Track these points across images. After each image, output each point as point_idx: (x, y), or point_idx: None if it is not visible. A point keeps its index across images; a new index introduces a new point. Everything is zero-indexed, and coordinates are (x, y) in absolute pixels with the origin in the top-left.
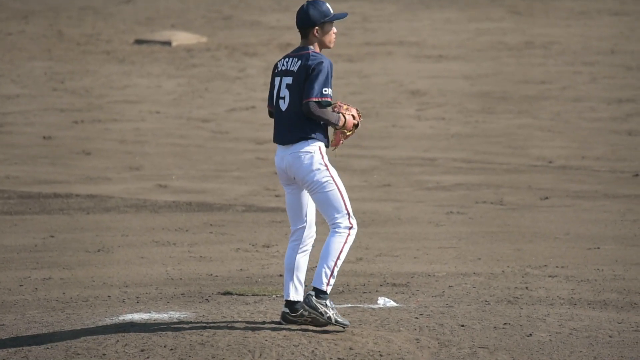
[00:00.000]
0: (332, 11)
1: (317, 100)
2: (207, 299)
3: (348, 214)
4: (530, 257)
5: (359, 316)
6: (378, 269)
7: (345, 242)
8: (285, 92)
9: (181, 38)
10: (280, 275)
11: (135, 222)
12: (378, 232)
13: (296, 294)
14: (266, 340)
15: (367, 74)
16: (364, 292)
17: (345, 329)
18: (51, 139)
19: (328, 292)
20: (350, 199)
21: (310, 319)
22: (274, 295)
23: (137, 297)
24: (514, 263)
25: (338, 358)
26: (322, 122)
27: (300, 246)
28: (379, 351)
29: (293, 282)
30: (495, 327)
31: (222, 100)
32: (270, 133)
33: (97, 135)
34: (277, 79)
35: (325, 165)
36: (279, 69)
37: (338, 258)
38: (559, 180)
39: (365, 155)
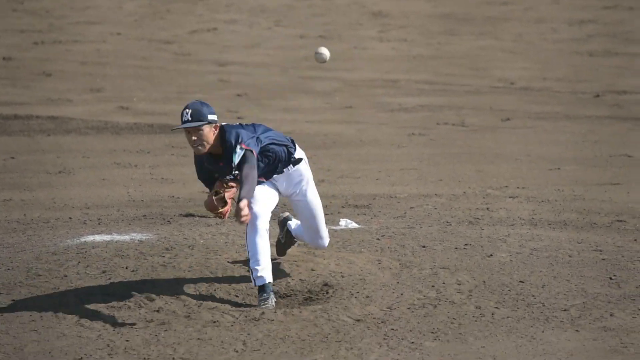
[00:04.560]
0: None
1: None
2: (168, 221)
3: None
4: (491, 178)
5: None
6: (340, 190)
7: None
8: None
9: None
10: None
11: (97, 144)
12: (340, 154)
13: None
14: (228, 262)
15: None
16: (326, 214)
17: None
18: (11, 60)
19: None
20: (312, 122)
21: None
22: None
23: (99, 219)
24: (475, 184)
25: (300, 279)
26: None
27: None
28: (341, 272)
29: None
30: (456, 248)
31: (184, 22)
32: (232, 55)
33: (58, 56)
34: None
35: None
36: None
37: None
38: (521, 101)
39: (327, 77)
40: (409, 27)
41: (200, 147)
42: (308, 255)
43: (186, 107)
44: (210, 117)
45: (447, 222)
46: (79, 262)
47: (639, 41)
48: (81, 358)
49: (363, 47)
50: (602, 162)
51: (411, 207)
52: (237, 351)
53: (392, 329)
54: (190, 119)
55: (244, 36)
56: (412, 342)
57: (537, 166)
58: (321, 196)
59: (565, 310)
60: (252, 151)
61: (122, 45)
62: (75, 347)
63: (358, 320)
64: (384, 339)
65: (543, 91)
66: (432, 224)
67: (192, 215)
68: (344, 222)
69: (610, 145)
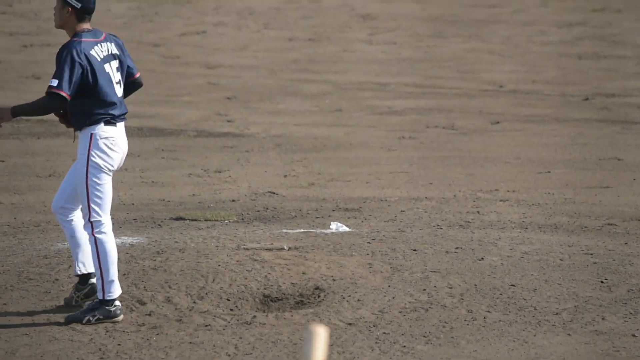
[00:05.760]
0: None
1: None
2: (159, 224)
3: None
4: (481, 181)
5: (312, 241)
6: (330, 194)
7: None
8: (119, 77)
9: None
10: (232, 201)
11: None
12: (330, 157)
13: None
14: (219, 265)
15: None
16: (317, 217)
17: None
18: (0, 63)
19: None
20: (302, 125)
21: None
22: (226, 221)
23: None
24: (465, 187)
25: (291, 283)
26: None
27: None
28: (332, 276)
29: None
30: (447, 251)
31: (172, 25)
32: (221, 57)
33: (47, 59)
34: (106, 66)
35: None
36: (101, 56)
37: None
38: (510, 104)
39: (317, 80)
40: (398, 30)
41: (54, 21)
42: (299, 259)
43: None
44: (71, 1)
45: (438, 225)
46: (70, 265)
47: (628, 44)
48: None
49: (352, 49)
50: (592, 165)
51: (402, 211)
52: (229, 355)
53: (384, 333)
54: None
55: (232, 39)
56: (404, 346)
57: (527, 169)
58: (311, 200)
59: (556, 314)
60: (57, 95)
61: None
62: (67, 350)
63: (350, 324)
64: (376, 342)
65: (532, 94)
66: (423, 228)
67: (182, 218)
68: (334, 226)
69: (600, 149)
